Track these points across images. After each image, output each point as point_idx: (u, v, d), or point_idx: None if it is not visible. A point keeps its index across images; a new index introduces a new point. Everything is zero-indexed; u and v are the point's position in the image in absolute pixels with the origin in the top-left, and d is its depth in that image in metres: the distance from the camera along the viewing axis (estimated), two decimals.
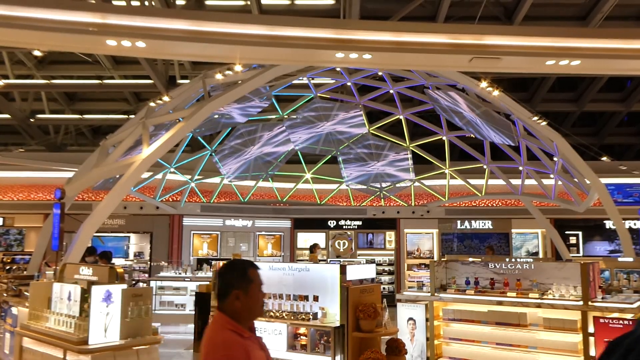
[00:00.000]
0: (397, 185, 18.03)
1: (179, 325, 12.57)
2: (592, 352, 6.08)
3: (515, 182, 16.23)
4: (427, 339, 7.14)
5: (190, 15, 7.14)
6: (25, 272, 11.07)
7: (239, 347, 2.39)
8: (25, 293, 7.16)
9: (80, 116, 21.64)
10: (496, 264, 7.39)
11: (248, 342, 2.45)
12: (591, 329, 6.10)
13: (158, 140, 9.81)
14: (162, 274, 13.66)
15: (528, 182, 16.08)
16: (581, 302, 6.30)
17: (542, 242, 17.94)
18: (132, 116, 13.59)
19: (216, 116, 13.29)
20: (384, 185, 18.01)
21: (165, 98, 11.11)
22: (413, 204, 18.27)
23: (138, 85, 19.37)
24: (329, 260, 14.98)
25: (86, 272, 5.76)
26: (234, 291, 2.47)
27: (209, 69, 11.24)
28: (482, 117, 13.15)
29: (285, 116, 15.78)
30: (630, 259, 10.67)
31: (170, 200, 16.52)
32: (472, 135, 15.03)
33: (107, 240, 16.58)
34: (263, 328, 6.97)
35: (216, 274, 2.61)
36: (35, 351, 5.81)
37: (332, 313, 6.53)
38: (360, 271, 7.10)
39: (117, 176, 10.88)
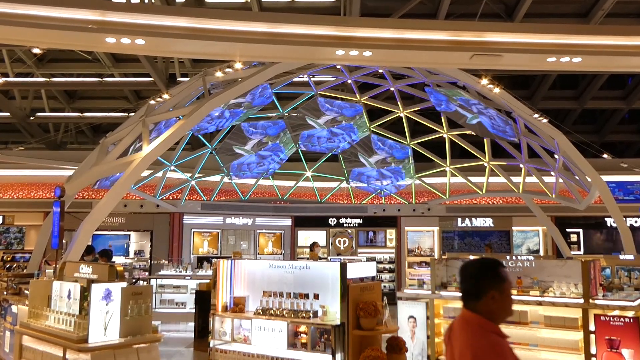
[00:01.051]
0: (398, 183, 18.00)
1: (179, 323, 12.59)
2: (593, 349, 6.07)
3: (516, 179, 16.20)
4: (428, 337, 7.12)
5: (190, 13, 7.12)
6: (25, 271, 11.04)
7: (507, 351, 2.35)
8: (25, 291, 7.14)
9: (80, 114, 21.60)
10: None
11: (507, 342, 2.42)
12: (592, 327, 6.09)
13: (158, 138, 9.78)
14: (162, 272, 13.66)
15: (529, 179, 16.04)
16: (582, 300, 6.29)
17: (542, 240, 17.93)
18: (132, 114, 13.56)
19: (216, 114, 13.25)
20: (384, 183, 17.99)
21: (165, 96, 11.09)
22: (414, 202, 18.25)
23: (138, 83, 19.34)
24: (329, 258, 14.98)
25: (86, 270, 5.75)
26: (490, 292, 2.43)
27: (209, 66, 11.21)
28: (486, 114, 13.11)
29: (286, 114, 15.75)
30: (631, 257, 10.63)
31: (171, 198, 16.51)
32: (472, 133, 14.99)
33: (107, 239, 16.59)
34: (263, 326, 6.96)
35: (462, 274, 2.53)
36: (35, 349, 5.80)
37: (332, 311, 6.52)
38: (361, 269, 7.09)
39: (117, 174, 10.86)
